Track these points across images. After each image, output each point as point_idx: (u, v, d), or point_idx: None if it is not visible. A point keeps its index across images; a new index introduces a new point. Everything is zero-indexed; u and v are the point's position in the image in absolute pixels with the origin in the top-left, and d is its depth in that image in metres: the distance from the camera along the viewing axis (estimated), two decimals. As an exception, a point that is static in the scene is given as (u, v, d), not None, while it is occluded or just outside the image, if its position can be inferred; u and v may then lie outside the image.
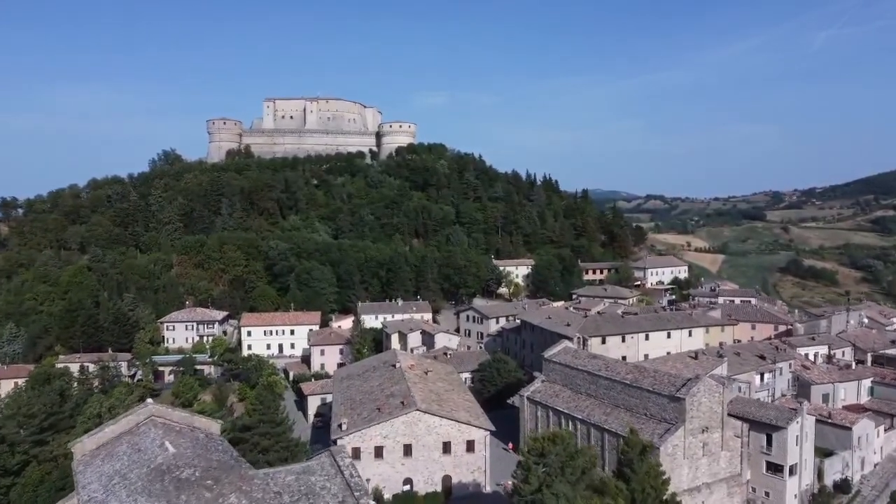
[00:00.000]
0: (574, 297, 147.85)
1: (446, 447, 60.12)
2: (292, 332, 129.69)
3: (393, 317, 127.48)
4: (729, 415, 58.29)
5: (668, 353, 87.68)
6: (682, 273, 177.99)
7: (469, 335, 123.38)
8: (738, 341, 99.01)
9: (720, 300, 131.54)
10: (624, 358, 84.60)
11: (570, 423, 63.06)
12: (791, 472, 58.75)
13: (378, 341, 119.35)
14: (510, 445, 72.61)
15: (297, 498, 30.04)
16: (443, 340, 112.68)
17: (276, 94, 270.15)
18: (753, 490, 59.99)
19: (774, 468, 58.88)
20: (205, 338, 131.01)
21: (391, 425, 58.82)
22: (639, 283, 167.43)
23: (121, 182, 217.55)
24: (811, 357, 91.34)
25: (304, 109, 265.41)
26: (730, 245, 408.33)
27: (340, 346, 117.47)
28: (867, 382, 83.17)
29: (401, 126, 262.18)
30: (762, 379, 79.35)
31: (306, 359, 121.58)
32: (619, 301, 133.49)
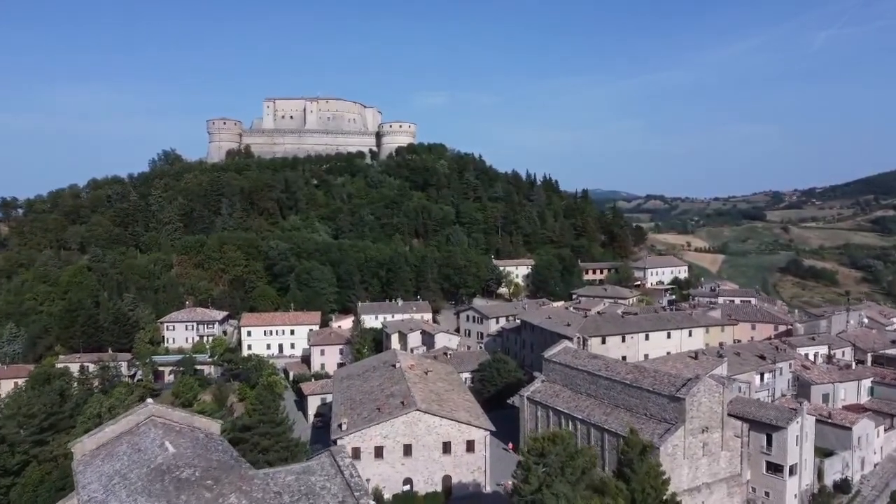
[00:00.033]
0: (574, 297, 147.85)
1: (446, 447, 60.13)
2: (292, 332, 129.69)
3: (393, 317, 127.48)
4: (729, 415, 58.29)
5: (668, 353, 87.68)
6: (682, 273, 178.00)
7: (469, 335, 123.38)
8: (738, 341, 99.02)
9: (720, 300, 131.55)
10: (624, 358, 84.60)
11: (570, 423, 63.06)
12: (791, 472, 58.76)
13: (378, 341, 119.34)
14: (510, 445, 72.61)
15: (298, 498, 30.04)
16: (443, 340, 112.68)
17: (276, 94, 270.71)
18: (753, 490, 59.99)
19: (774, 468, 58.88)
20: (205, 338, 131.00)
21: (391, 425, 58.82)
22: (639, 283, 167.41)
23: (121, 182, 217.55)
24: (811, 357, 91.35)
25: (304, 109, 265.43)
26: (730, 245, 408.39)
27: (340, 346, 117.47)
28: (867, 382, 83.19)
29: (401, 126, 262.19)
30: (762, 379, 79.34)
31: (306, 359, 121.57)
32: (619, 301, 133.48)
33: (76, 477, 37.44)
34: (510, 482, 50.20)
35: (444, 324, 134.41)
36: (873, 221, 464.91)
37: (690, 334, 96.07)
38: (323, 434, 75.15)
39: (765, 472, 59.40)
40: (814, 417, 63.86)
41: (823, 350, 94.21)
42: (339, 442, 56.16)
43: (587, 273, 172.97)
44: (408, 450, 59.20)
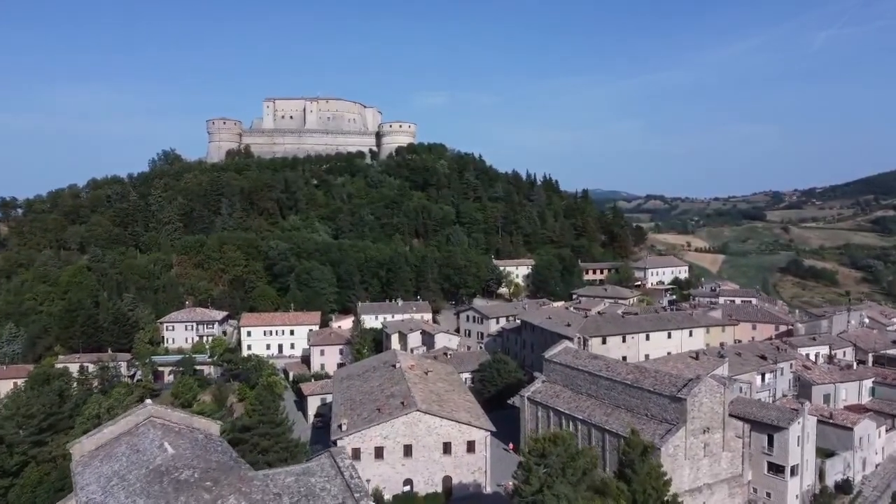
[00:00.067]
0: (574, 297, 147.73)
1: (447, 448, 59.94)
2: (292, 333, 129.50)
3: (393, 317, 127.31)
4: (730, 415, 58.13)
5: (669, 354, 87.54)
6: (683, 273, 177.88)
7: (469, 335, 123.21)
8: (739, 341, 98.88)
9: (721, 300, 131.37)
10: (624, 358, 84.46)
11: (571, 423, 62.90)
12: (792, 473, 58.61)
13: (378, 341, 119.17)
14: (510, 446, 72.43)
15: (297, 499, 29.82)
16: (443, 340, 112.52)
17: (276, 94, 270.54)
18: (755, 491, 59.83)
19: (776, 469, 58.74)
20: (204, 338, 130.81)
21: (391, 426, 58.64)
22: (639, 283, 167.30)
23: (120, 182, 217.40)
24: (812, 357, 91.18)
25: (304, 109, 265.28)
26: (730, 245, 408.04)
27: (340, 347, 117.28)
28: (868, 383, 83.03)
29: (401, 126, 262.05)
30: (763, 379, 79.15)
31: (306, 359, 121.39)
32: (620, 301, 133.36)
33: (74, 478, 37.23)
34: (511, 483, 50.02)
35: (444, 324, 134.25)
36: (873, 221, 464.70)
37: (691, 334, 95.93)
38: (323, 434, 74.97)
39: (766, 473, 59.25)
40: (815, 418, 63.71)
41: (824, 350, 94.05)
42: (339, 442, 56.00)
43: (587, 273, 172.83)
44: (408, 450, 59.01)
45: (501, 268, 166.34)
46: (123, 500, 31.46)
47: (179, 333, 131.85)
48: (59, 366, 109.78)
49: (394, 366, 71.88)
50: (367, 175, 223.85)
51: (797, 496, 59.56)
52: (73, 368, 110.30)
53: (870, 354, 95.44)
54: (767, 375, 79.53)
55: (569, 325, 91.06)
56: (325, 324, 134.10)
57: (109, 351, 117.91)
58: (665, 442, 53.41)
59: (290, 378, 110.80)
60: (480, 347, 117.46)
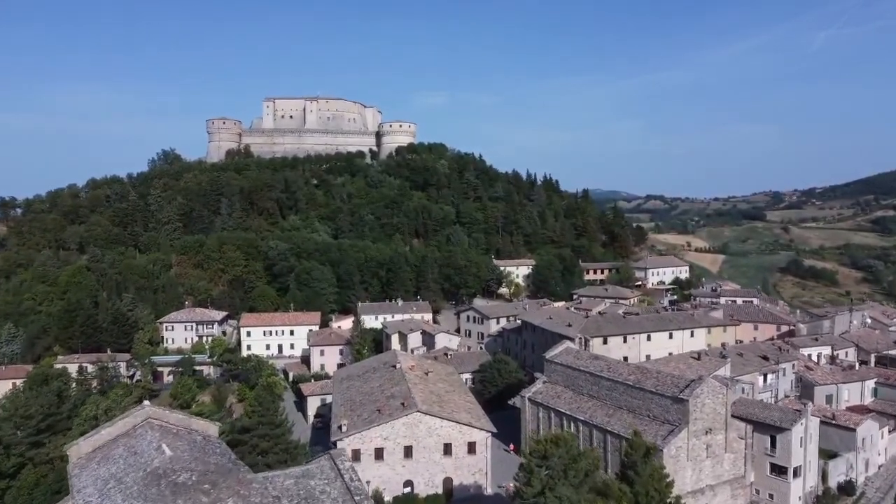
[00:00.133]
0: (575, 297, 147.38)
1: (447, 449, 59.58)
2: (292, 333, 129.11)
3: (393, 317, 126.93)
4: (733, 416, 57.78)
5: (670, 354, 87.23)
6: (683, 273, 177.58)
7: (469, 335, 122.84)
8: (740, 342, 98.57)
9: (722, 300, 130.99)
10: (625, 359, 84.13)
11: (572, 424, 62.52)
12: (795, 474, 58.29)
13: (378, 342, 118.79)
14: (511, 447, 72.05)
15: (297, 502, 29.44)
16: (443, 341, 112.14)
17: (276, 94, 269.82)
18: (757, 492, 59.50)
19: (779, 470, 58.44)
20: (204, 338, 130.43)
21: (391, 427, 58.25)
22: (640, 283, 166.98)
23: (120, 182, 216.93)
24: (814, 358, 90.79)
25: (304, 109, 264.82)
26: (730, 245, 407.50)
27: (340, 347, 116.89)
28: (870, 383, 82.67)
29: (401, 126, 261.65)
30: (765, 380, 78.75)
31: (306, 359, 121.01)
32: (621, 301, 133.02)
33: (71, 480, 36.82)
34: (512, 484, 49.62)
35: (445, 324, 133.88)
36: (873, 221, 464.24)
37: (692, 335, 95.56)
38: (323, 435, 74.62)
39: (769, 474, 58.95)
40: (818, 419, 63.32)
41: (826, 351, 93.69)
42: (338, 443, 55.61)
43: (588, 273, 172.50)
44: (408, 451, 58.65)
45: (502, 268, 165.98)
46: (120, 503, 31.06)
47: (179, 334, 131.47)
48: (58, 366, 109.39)
49: (394, 366, 71.49)
50: (367, 175, 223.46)
51: (800, 498, 59.22)
52: (72, 369, 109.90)
53: (872, 355, 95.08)
54: (769, 376, 79.14)
55: (570, 326, 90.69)
56: (324, 324, 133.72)
57: (108, 351, 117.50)
58: (667, 443, 53.03)
59: (290, 378, 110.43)
60: (481, 348, 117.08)
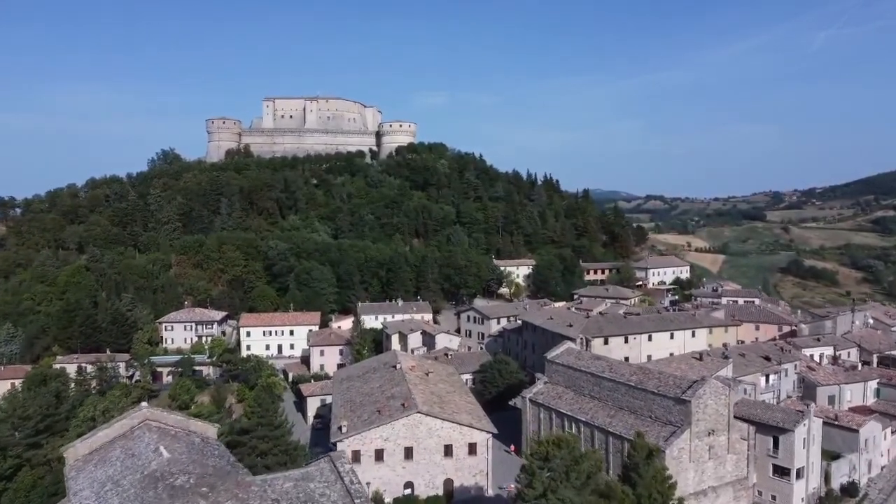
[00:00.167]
0: (575, 297, 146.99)
1: (448, 450, 59.23)
2: (292, 333, 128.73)
3: (393, 317, 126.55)
4: (735, 417, 57.37)
5: (672, 355, 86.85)
6: (684, 273, 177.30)
7: (470, 336, 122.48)
8: (742, 342, 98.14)
9: (723, 300, 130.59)
10: (627, 359, 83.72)
11: (573, 425, 62.15)
12: (798, 476, 57.85)
13: (378, 342, 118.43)
14: (512, 448, 71.65)
15: (296, 506, 29.04)
16: (443, 341, 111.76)
17: (276, 93, 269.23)
18: (760, 494, 59.09)
19: (781, 471, 58.00)
20: (203, 338, 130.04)
21: (392, 428, 57.88)
22: (640, 283, 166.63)
23: (119, 181, 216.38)
24: (816, 358, 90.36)
25: (304, 109, 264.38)
26: (730, 245, 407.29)
27: (340, 347, 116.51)
28: (873, 384, 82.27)
29: (401, 125, 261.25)
30: (767, 380, 78.32)
31: (306, 359, 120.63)
32: (621, 301, 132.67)
33: (68, 483, 36.42)
34: (513, 485, 49.23)
35: (445, 324, 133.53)
36: (874, 221, 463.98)
37: (694, 335, 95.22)
38: (322, 436, 74.23)
39: (771, 476, 58.51)
40: (821, 420, 62.91)
41: (829, 351, 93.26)
42: (338, 445, 55.28)
43: (588, 273, 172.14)
44: (409, 453, 58.29)
45: (502, 268, 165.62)
46: (117, 506, 30.66)
47: (178, 334, 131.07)
48: (57, 366, 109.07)
49: (394, 367, 71.10)
50: (367, 175, 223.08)
51: (803, 499, 58.79)
52: (71, 369, 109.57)
53: (874, 355, 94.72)
54: (772, 377, 78.72)
55: (570, 326, 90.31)
56: (324, 324, 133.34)
57: (108, 351, 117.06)
58: (670, 444, 52.66)
59: (290, 379, 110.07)
60: (481, 348, 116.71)
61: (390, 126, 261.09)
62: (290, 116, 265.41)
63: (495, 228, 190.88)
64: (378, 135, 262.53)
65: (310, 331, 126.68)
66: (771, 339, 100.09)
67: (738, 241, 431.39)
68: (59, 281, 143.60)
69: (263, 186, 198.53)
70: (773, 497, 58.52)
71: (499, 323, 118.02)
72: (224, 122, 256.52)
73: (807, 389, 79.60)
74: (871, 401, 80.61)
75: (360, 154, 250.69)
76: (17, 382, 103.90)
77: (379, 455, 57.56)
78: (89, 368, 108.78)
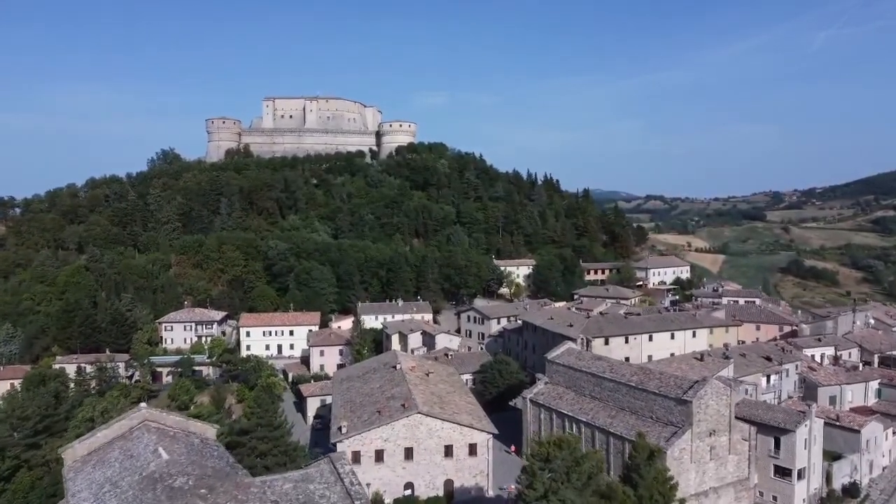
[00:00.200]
0: (576, 297, 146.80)
1: (448, 451, 59.03)
2: (291, 333, 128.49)
3: (393, 317, 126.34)
4: (736, 418, 57.17)
5: (672, 355, 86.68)
6: (684, 273, 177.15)
7: (470, 336, 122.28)
8: (743, 342, 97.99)
9: (724, 301, 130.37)
10: (627, 359, 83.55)
11: (574, 426, 61.96)
12: (799, 476, 57.71)
13: (378, 342, 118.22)
14: (512, 448, 71.45)
15: (295, 507, 28.84)
16: (444, 341, 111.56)
17: (275, 93, 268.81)
18: (761, 494, 58.91)
19: (783, 472, 57.85)
20: (203, 338, 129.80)
21: (392, 428, 57.67)
22: (641, 283, 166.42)
23: (119, 181, 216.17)
24: (817, 358, 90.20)
25: (304, 109, 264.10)
26: (730, 245, 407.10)
27: (340, 347, 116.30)
28: (874, 384, 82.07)
29: (401, 125, 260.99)
30: (768, 381, 78.16)
31: (306, 360, 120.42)
32: (622, 301, 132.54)
33: (66, 484, 36.22)
34: (514, 486, 49.04)
35: (445, 324, 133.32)
36: (874, 221, 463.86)
37: (694, 335, 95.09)
38: (322, 436, 74.01)
39: (773, 476, 58.36)
40: (822, 420, 62.73)
41: (830, 351, 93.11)
42: (338, 445, 55.09)
43: (589, 273, 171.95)
44: (409, 453, 58.09)
45: (502, 268, 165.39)
46: (115, 507, 30.45)
47: (178, 334, 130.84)
48: (57, 366, 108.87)
49: (394, 367, 70.89)
50: (367, 175, 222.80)
51: (804, 500, 58.62)
52: (71, 369, 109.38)
53: (875, 355, 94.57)
54: (773, 377, 78.55)
55: (571, 326, 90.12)
56: (324, 324, 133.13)
57: (107, 351, 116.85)
58: (671, 445, 52.47)
59: (290, 379, 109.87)
60: (481, 348, 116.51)
61: (390, 126, 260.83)
62: (290, 116, 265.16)
63: (495, 228, 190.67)
64: (378, 135, 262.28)
65: (310, 331, 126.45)
66: (772, 339, 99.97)
67: (738, 241, 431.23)
68: (58, 281, 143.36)
69: (263, 186, 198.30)
70: (775, 498, 58.35)
71: (499, 323, 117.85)
72: (224, 122, 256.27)
73: (808, 390, 79.43)
74: (872, 401, 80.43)
75: (360, 154, 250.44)
76: (16, 383, 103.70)
77: (379, 456, 57.35)
78: (88, 369, 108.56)
